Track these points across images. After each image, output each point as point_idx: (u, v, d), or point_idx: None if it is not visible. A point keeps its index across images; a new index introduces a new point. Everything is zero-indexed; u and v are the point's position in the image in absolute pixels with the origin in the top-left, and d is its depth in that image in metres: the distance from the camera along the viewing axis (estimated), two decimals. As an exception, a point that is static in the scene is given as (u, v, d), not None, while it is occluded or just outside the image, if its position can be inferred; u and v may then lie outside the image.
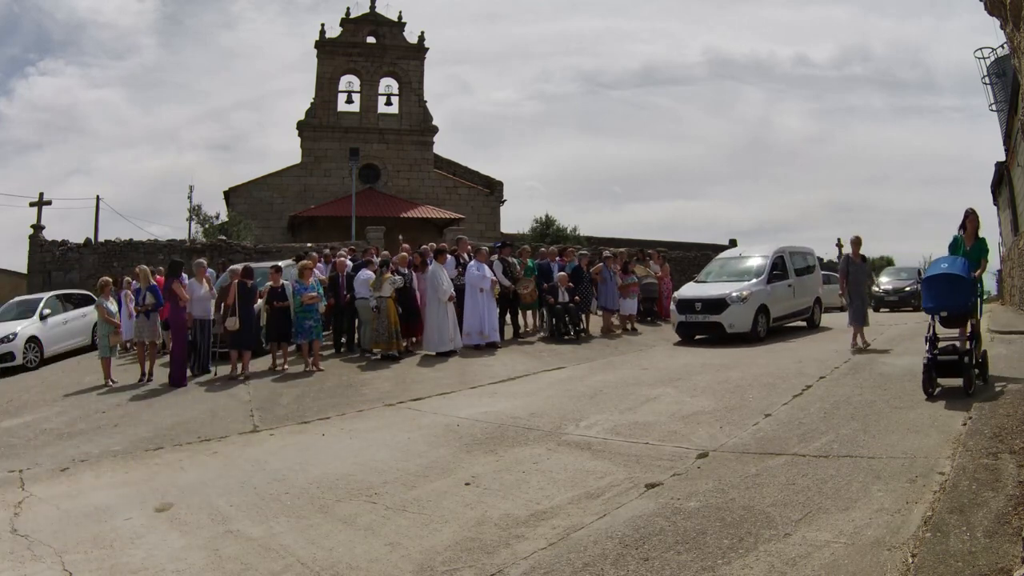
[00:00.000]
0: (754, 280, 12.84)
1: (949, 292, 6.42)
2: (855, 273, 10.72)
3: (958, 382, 6.40)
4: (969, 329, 6.60)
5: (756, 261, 13.54)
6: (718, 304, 12.35)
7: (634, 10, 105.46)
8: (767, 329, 12.53)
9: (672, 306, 13.42)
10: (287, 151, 74.00)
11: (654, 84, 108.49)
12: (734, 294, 12.34)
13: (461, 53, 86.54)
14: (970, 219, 7.29)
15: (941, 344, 6.59)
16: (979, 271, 7.03)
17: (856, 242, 10.92)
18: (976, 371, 6.56)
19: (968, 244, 7.20)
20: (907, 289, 19.74)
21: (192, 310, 10.34)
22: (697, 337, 12.62)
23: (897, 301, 20.03)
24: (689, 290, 13.42)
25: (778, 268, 13.39)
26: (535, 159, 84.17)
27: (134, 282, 11.88)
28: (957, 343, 6.62)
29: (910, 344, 10.09)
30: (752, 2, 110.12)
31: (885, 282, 21.11)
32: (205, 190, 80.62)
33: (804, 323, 14.14)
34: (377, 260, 11.89)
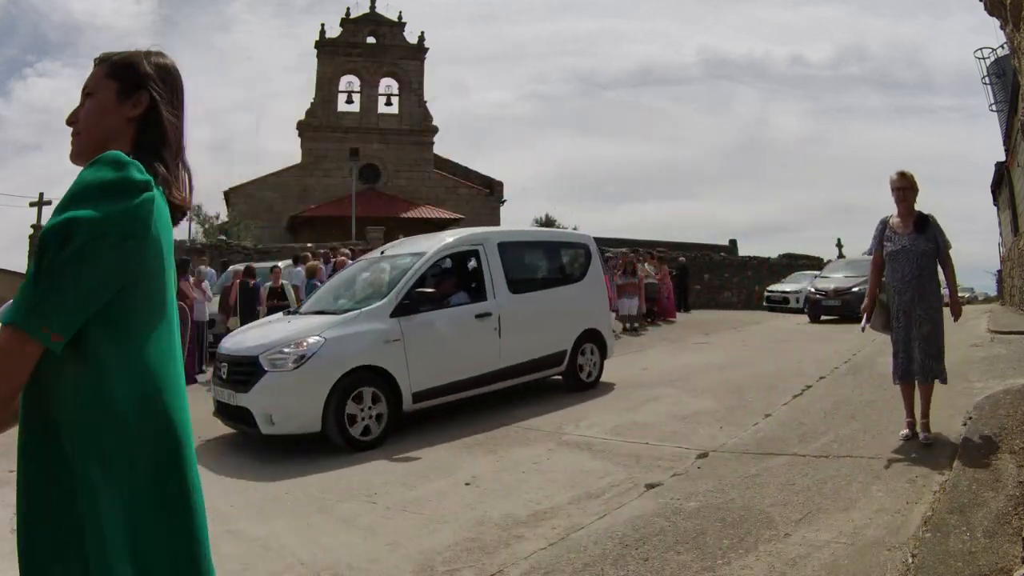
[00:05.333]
0: (358, 311, 6.15)
1: None
2: (899, 259, 4.74)
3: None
4: None
5: (403, 263, 6.76)
6: (247, 369, 5.85)
7: (629, 10, 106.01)
8: (390, 422, 5.93)
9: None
10: (283, 152, 73.91)
11: (650, 84, 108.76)
12: (286, 349, 5.74)
13: (456, 54, 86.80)
14: None
15: None
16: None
17: (903, 184, 4.70)
18: None
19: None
20: (854, 290, 13.49)
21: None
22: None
23: (840, 306, 13.93)
24: (247, 334, 6.67)
25: (442, 278, 6.97)
26: (531, 160, 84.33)
27: None
28: None
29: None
30: (747, 2, 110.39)
31: (824, 280, 15.32)
32: (204, 190, 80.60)
33: (560, 377, 7.78)
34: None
